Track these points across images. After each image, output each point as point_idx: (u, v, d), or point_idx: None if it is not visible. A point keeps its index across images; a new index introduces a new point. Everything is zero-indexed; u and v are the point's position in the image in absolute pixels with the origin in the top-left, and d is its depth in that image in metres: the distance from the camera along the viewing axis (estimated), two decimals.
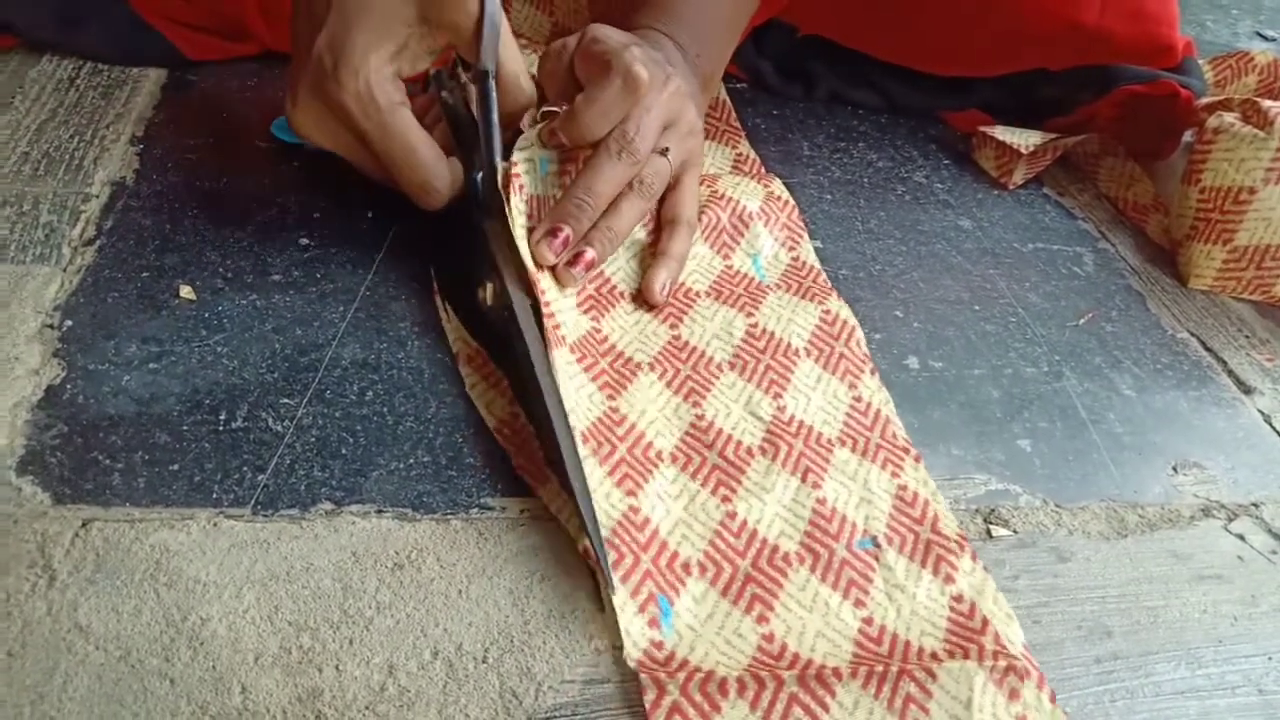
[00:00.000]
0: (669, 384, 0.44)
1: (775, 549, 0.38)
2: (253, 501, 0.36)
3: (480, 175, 0.47)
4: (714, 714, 0.32)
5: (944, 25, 0.68)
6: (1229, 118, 0.58)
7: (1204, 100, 0.66)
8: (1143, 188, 0.67)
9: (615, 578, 0.35)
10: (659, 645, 0.34)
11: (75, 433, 0.38)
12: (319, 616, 0.33)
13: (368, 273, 0.48)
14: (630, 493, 0.38)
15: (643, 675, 0.33)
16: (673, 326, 0.47)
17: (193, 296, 0.44)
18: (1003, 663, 0.35)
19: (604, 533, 0.36)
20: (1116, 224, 0.65)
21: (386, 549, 0.36)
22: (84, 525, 0.35)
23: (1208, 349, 0.55)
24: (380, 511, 0.37)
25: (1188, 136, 0.70)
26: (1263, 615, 0.40)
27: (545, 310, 0.43)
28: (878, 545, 0.39)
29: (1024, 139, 0.65)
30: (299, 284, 0.46)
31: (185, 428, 0.39)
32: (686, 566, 0.37)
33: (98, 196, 0.49)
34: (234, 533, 0.35)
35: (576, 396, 0.41)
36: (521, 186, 0.46)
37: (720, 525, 0.39)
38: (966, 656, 0.35)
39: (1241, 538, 0.44)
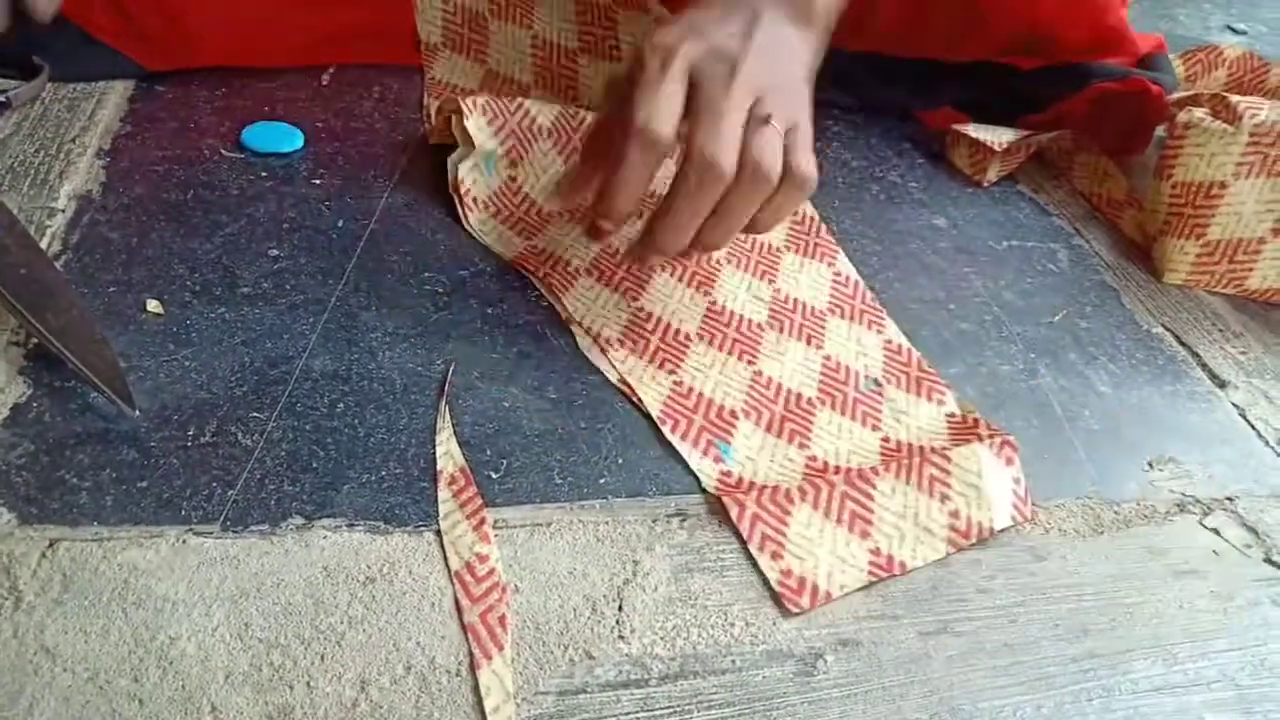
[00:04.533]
0: (720, 348, 0.49)
1: (799, 395, 0.47)
2: (222, 517, 0.36)
3: None
4: (786, 516, 0.40)
5: (903, 8, 0.68)
6: (1199, 113, 0.58)
7: (1175, 96, 0.66)
8: (1116, 183, 0.67)
9: (675, 438, 0.43)
10: (727, 475, 0.42)
11: (42, 451, 0.37)
12: (290, 633, 0.33)
13: (338, 283, 0.47)
14: (671, 371, 0.46)
15: (724, 498, 0.40)
16: (706, 294, 0.51)
17: (160, 311, 0.44)
18: (998, 439, 0.44)
19: (656, 410, 0.44)
20: (1091, 220, 0.66)
21: (358, 563, 0.35)
22: (51, 545, 0.34)
23: (1182, 343, 0.56)
24: (352, 525, 0.37)
25: (1160, 132, 0.71)
26: (1238, 610, 0.40)
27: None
28: (879, 384, 0.48)
29: (998, 136, 0.65)
30: (268, 296, 0.46)
31: (153, 444, 0.38)
32: (733, 414, 0.45)
33: (63, 211, 0.49)
34: (203, 550, 0.35)
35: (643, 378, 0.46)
36: (475, 199, 0.52)
37: (751, 382, 0.47)
38: (969, 442, 0.44)
39: (1217, 532, 0.44)
